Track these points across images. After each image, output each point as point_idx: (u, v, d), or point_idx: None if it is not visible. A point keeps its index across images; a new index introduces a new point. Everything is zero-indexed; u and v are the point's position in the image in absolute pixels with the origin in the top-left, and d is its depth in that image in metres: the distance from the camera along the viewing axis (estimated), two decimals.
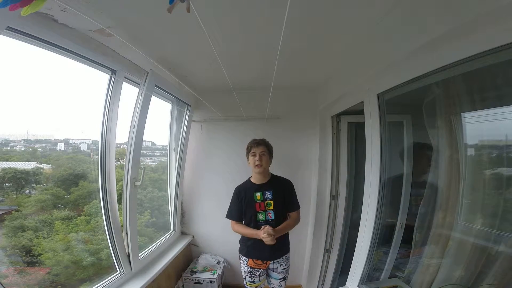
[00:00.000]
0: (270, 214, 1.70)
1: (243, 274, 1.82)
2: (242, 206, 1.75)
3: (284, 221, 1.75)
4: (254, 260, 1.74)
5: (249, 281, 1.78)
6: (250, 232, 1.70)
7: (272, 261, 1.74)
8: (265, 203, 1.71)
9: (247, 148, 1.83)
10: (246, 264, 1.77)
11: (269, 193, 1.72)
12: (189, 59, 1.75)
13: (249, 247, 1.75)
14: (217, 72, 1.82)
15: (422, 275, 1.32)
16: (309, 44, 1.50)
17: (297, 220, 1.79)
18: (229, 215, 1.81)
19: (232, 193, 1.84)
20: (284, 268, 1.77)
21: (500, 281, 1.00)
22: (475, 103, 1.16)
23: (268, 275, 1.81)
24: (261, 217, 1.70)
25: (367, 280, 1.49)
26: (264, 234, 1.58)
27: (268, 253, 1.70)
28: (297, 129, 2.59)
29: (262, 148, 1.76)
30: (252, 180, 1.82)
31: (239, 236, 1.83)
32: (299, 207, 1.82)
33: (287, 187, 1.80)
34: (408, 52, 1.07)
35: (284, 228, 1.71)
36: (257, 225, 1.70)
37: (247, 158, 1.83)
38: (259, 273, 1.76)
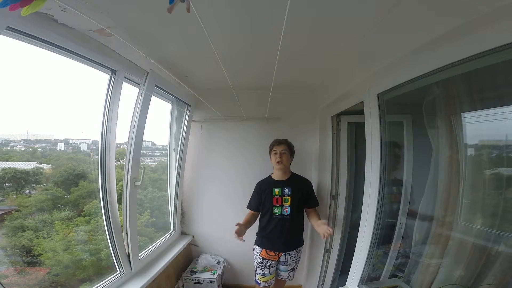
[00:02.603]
0: (286, 209, 1.81)
1: (255, 267, 1.91)
2: (261, 199, 1.88)
3: (299, 217, 1.87)
4: (267, 251, 1.84)
5: (260, 273, 1.86)
6: (244, 221, 1.84)
7: (284, 253, 1.83)
8: (283, 199, 1.83)
9: (270, 146, 1.97)
10: (259, 255, 1.86)
11: (287, 190, 1.84)
12: (189, 59, 1.74)
13: (264, 238, 1.87)
14: (217, 72, 1.82)
15: (422, 275, 1.32)
16: (309, 44, 1.50)
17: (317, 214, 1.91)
18: (248, 206, 1.97)
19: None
20: (293, 260, 1.86)
21: (500, 281, 1.00)
22: (475, 103, 1.16)
23: (277, 268, 1.88)
24: (277, 210, 1.82)
25: (367, 280, 1.49)
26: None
27: (281, 244, 1.82)
28: (297, 129, 2.59)
29: (283, 147, 1.89)
30: (272, 176, 1.95)
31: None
32: (318, 205, 1.95)
33: (306, 186, 1.92)
34: (408, 52, 1.07)
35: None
36: (272, 218, 1.83)
37: (269, 155, 1.96)
38: (270, 265, 1.84)
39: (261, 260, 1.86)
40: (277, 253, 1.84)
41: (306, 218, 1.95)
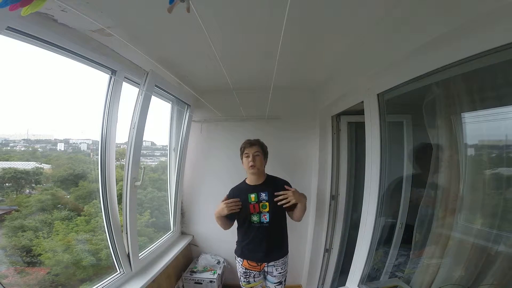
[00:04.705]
0: (265, 216, 1.66)
1: (239, 275, 1.79)
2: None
3: (281, 223, 1.72)
4: (248, 261, 1.71)
5: (244, 281, 1.75)
6: (217, 217, 1.70)
7: (267, 264, 1.70)
8: (260, 205, 1.67)
9: (241, 149, 1.78)
10: (241, 265, 1.74)
11: (264, 194, 1.68)
12: (189, 59, 1.74)
13: (244, 248, 1.73)
14: (217, 72, 1.82)
15: (422, 275, 1.32)
16: (309, 44, 1.50)
17: (304, 209, 1.72)
18: None
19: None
20: (280, 273, 1.71)
21: (500, 281, 1.00)
22: (475, 103, 1.16)
23: (265, 278, 1.78)
24: (255, 218, 1.66)
25: (367, 280, 1.49)
26: (227, 208, 1.61)
27: (262, 255, 1.67)
28: (297, 129, 2.59)
29: (256, 149, 1.71)
30: (247, 181, 1.78)
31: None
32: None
33: (284, 187, 1.72)
34: (408, 52, 1.07)
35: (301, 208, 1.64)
36: (251, 227, 1.67)
37: (241, 159, 1.79)
38: (254, 275, 1.72)
39: (244, 270, 1.73)
40: (260, 263, 1.70)
41: (289, 226, 1.78)
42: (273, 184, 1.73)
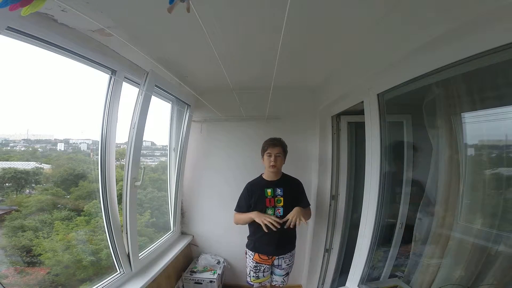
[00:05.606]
0: (279, 210, 1.76)
1: (248, 270, 1.86)
2: (251, 201, 1.81)
3: None
4: (260, 255, 1.80)
5: (253, 276, 1.82)
6: (245, 216, 1.78)
7: (277, 257, 1.79)
8: (275, 200, 1.77)
9: (263, 147, 1.88)
10: (252, 259, 1.82)
11: (280, 190, 1.78)
12: (189, 59, 1.75)
13: (256, 242, 1.81)
14: (217, 72, 1.82)
15: (422, 275, 1.32)
16: (309, 44, 1.50)
17: (310, 214, 1.92)
18: (237, 208, 1.88)
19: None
20: (288, 264, 1.82)
21: (500, 281, 1.00)
22: (475, 103, 1.16)
23: (272, 272, 1.84)
24: (270, 212, 1.76)
25: (367, 280, 1.49)
26: (264, 221, 1.65)
27: (274, 248, 1.77)
28: (297, 129, 2.59)
29: (278, 150, 1.81)
30: (264, 176, 1.89)
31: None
32: (309, 205, 1.90)
33: (297, 186, 1.88)
34: (408, 52, 1.07)
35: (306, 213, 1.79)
36: None
37: (262, 155, 1.87)
38: (264, 269, 1.80)
39: (255, 264, 1.82)
40: (271, 256, 1.80)
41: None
42: (288, 182, 1.86)
